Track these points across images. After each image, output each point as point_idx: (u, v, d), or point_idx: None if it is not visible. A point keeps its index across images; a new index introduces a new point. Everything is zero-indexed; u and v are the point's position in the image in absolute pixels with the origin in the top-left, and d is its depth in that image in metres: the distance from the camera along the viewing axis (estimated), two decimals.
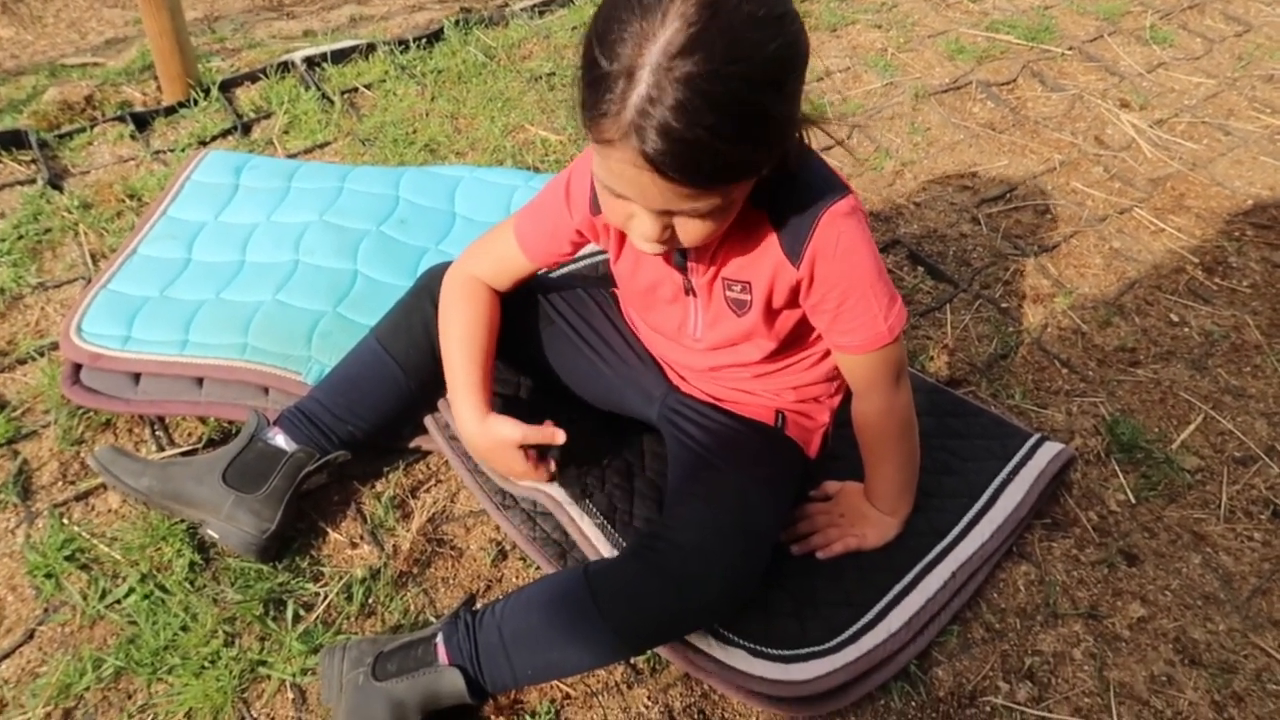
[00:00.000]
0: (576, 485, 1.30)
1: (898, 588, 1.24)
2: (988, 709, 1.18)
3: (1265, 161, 2.22)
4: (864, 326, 1.09)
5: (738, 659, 1.15)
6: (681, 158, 0.82)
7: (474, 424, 1.23)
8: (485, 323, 1.26)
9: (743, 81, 0.81)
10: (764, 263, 1.08)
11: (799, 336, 1.20)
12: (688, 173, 0.84)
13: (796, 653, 1.16)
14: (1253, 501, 1.46)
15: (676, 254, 1.12)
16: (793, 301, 1.12)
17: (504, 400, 1.41)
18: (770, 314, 1.14)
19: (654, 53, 0.79)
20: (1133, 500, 1.44)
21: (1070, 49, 2.61)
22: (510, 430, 1.22)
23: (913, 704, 1.18)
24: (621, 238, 1.15)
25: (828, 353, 1.23)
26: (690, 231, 0.95)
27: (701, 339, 1.21)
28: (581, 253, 1.55)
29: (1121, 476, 1.48)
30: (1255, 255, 1.95)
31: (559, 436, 1.23)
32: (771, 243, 1.06)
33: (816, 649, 1.16)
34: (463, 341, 1.25)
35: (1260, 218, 2.05)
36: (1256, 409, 1.61)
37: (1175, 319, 1.79)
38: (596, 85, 0.83)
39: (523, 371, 1.43)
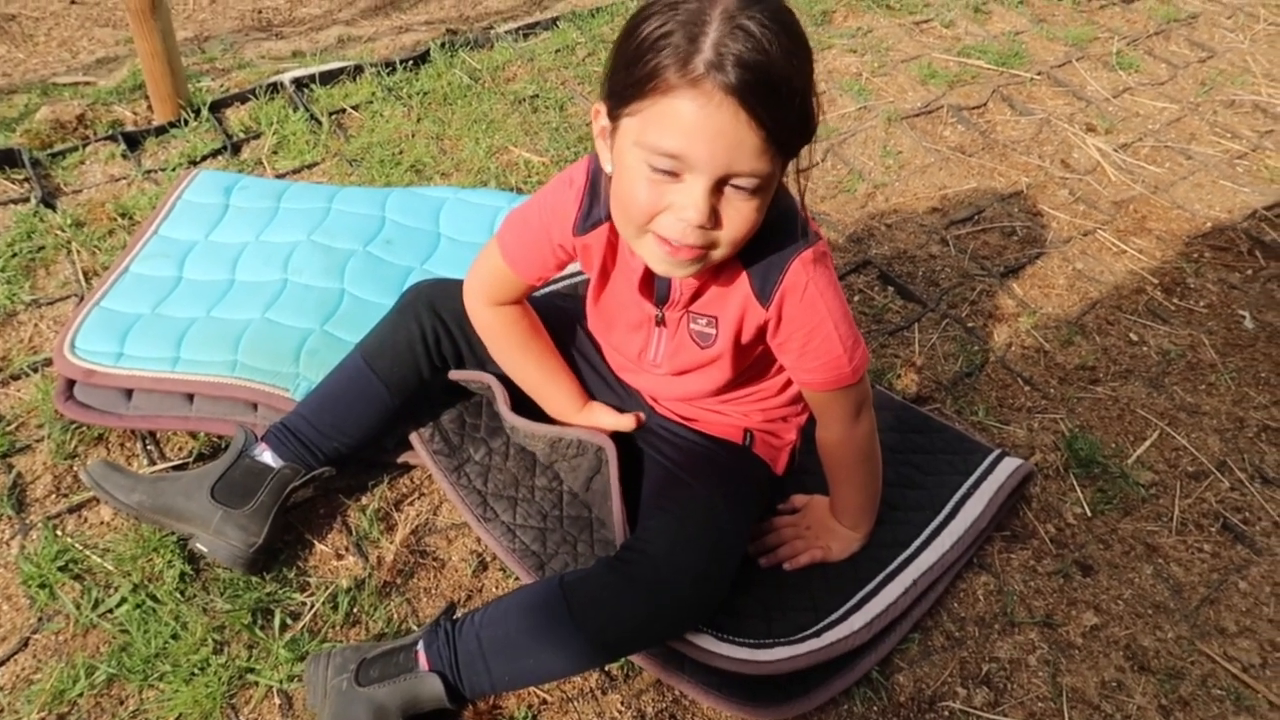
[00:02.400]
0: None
1: (860, 594, 1.29)
2: (946, 713, 1.24)
3: (1224, 185, 2.30)
4: (828, 366, 1.15)
5: (706, 641, 1.20)
6: (764, 86, 0.86)
7: (578, 419, 1.37)
8: (532, 333, 1.34)
9: (797, 32, 0.90)
10: (733, 300, 1.13)
11: (755, 372, 1.26)
12: (769, 104, 0.87)
13: (762, 641, 1.22)
14: (1204, 515, 1.53)
15: (659, 288, 1.17)
16: (759, 338, 1.18)
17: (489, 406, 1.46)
18: (737, 348, 1.19)
19: (720, 5, 0.87)
20: (1089, 513, 1.51)
21: (1039, 74, 2.69)
22: (609, 418, 1.36)
23: (875, 708, 1.24)
24: (603, 261, 1.20)
25: (789, 382, 1.29)
26: (737, 216, 0.95)
27: (660, 365, 1.27)
28: (564, 272, 1.60)
29: (1079, 490, 1.54)
30: (1212, 276, 2.02)
31: (640, 421, 1.36)
32: (742, 282, 1.11)
33: (781, 640, 1.22)
34: (526, 362, 1.35)
35: (1218, 240, 2.13)
36: (1210, 425, 1.68)
37: (1135, 338, 1.86)
38: (655, 42, 0.88)
39: (508, 384, 1.47)
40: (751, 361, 1.24)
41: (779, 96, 0.88)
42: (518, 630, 1.12)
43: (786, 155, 0.95)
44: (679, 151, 0.90)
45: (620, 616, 1.12)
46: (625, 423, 1.35)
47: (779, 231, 1.07)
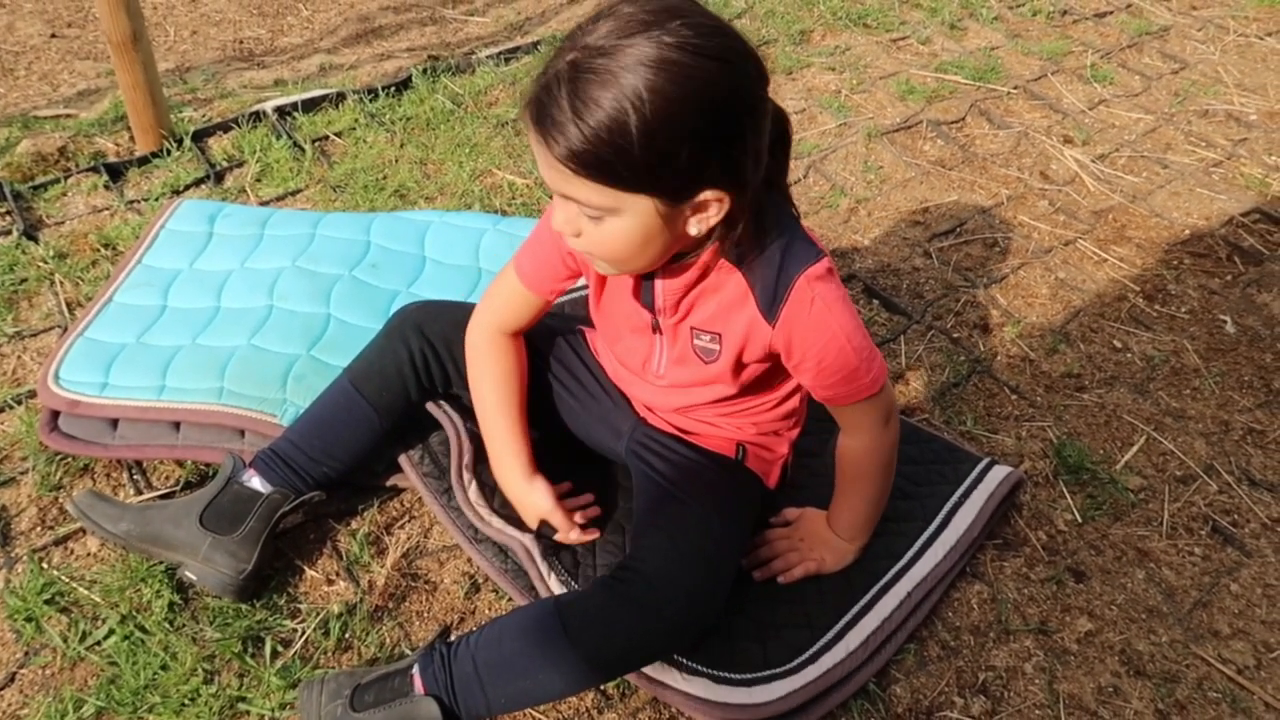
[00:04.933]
0: (548, 539, 1.34)
1: (855, 609, 1.29)
2: None
3: (1201, 193, 2.33)
4: (846, 381, 1.15)
5: (701, 688, 1.19)
6: (542, 113, 0.91)
7: (516, 487, 1.35)
8: (514, 378, 1.35)
9: (619, 87, 0.88)
10: (739, 318, 1.13)
11: (760, 385, 1.27)
12: (547, 131, 0.92)
13: (758, 675, 1.21)
14: (1193, 518, 1.54)
15: (644, 293, 1.18)
16: (763, 357, 1.18)
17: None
18: (741, 366, 1.20)
19: (574, 46, 0.92)
20: (1079, 520, 1.51)
21: (1016, 88, 2.73)
22: (543, 502, 1.33)
23: None
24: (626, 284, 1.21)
25: (788, 396, 1.30)
26: (592, 236, 1.01)
27: (665, 376, 1.27)
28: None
29: (1069, 497, 1.55)
30: (1193, 283, 2.04)
31: (580, 536, 1.34)
32: (748, 300, 1.11)
33: (778, 670, 1.21)
34: (497, 405, 1.34)
35: (1197, 246, 2.15)
36: (1196, 429, 1.69)
37: (1118, 345, 1.87)
38: None
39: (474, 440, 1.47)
40: (756, 378, 1.24)
41: (559, 129, 0.90)
42: (513, 651, 1.11)
43: (636, 190, 0.94)
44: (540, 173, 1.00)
45: (616, 635, 1.11)
46: (558, 521, 1.33)
47: (783, 249, 1.09)
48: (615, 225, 0.99)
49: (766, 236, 1.07)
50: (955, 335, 1.86)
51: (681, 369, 1.24)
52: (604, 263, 1.08)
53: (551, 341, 1.43)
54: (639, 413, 1.38)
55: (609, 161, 0.91)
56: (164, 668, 1.23)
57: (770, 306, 1.10)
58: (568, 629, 1.10)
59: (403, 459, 1.45)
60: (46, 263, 1.89)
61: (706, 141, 0.92)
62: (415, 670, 1.12)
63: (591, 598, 1.15)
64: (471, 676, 1.11)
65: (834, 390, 1.17)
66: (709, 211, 0.99)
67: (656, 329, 1.22)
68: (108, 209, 2.07)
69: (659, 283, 1.14)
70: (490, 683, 1.11)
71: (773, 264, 1.08)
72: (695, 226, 1.01)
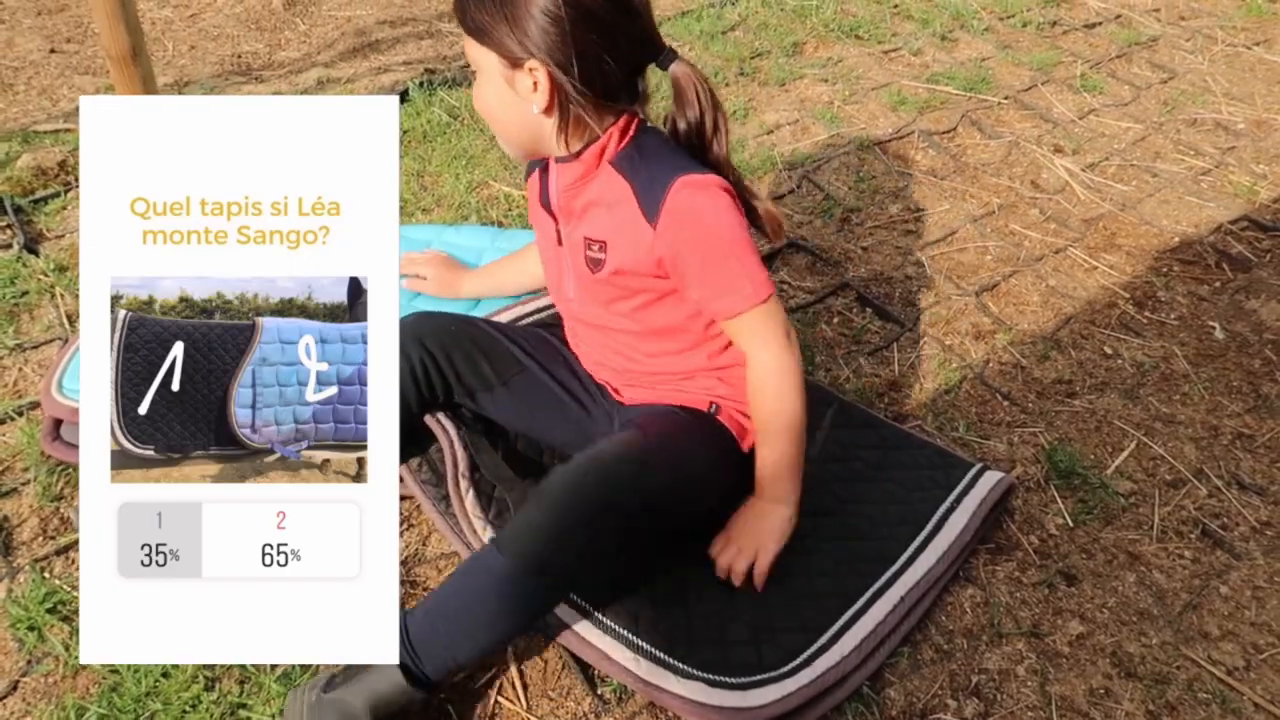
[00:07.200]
0: None
1: (850, 613, 1.30)
2: None
3: (1190, 201, 2.35)
4: (733, 290, 1.21)
5: (696, 691, 1.20)
6: None
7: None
8: (522, 268, 1.69)
9: None
10: (622, 221, 1.21)
11: (670, 318, 1.31)
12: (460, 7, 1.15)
13: (754, 679, 1.22)
14: (1183, 522, 1.55)
15: (544, 193, 1.30)
16: (650, 268, 1.22)
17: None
18: (627, 275, 1.25)
19: None
20: (1071, 524, 1.53)
21: (1006, 98, 2.76)
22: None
23: None
24: (537, 195, 1.35)
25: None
26: (477, 97, 1.23)
27: (574, 298, 1.34)
28: (540, 303, 1.66)
29: (1060, 502, 1.56)
30: (1182, 289, 2.07)
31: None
32: (629, 201, 1.19)
33: (773, 674, 1.22)
34: (507, 264, 1.73)
35: (1186, 254, 2.17)
36: (1185, 434, 1.71)
37: (1109, 351, 1.89)
38: None
39: (497, 418, 1.49)
40: (661, 300, 1.28)
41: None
42: (457, 589, 1.16)
43: (484, 43, 1.15)
44: None
45: (538, 524, 1.15)
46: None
47: (667, 162, 1.19)
48: (481, 84, 1.20)
49: (655, 152, 1.19)
50: (947, 343, 1.88)
51: (582, 285, 1.30)
52: (497, 136, 1.29)
53: (542, 346, 1.47)
54: (613, 397, 1.43)
55: (466, 10, 1.14)
56: (165, 675, 1.24)
57: (650, 207, 1.17)
58: (500, 545, 1.15)
59: (402, 469, 1.46)
60: (47, 275, 1.90)
61: (538, 14, 1.09)
62: None
63: (520, 512, 1.20)
64: (423, 624, 1.14)
65: (723, 300, 1.22)
66: (537, 88, 1.14)
67: (560, 240, 1.30)
68: None
69: (551, 180, 1.28)
70: (442, 626, 1.13)
71: (658, 174, 1.17)
72: (533, 103, 1.15)
